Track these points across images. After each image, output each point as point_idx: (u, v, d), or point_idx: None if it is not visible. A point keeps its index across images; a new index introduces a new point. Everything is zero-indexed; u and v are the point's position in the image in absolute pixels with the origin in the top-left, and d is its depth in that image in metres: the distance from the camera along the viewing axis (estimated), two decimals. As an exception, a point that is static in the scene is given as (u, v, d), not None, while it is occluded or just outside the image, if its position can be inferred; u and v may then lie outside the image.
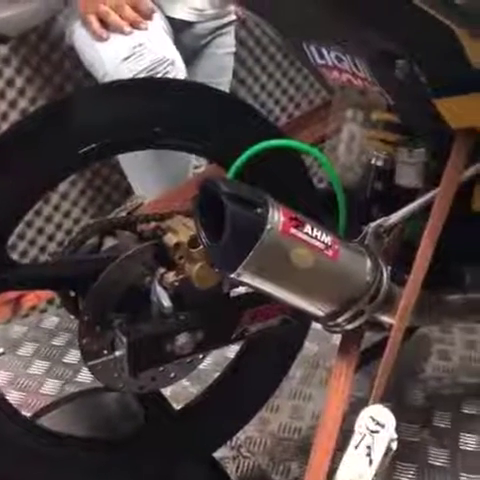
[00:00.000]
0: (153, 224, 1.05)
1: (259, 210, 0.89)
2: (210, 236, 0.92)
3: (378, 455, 0.92)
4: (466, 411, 1.46)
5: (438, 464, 1.34)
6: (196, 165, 1.68)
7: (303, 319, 1.06)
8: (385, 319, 1.02)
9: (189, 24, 1.68)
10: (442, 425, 1.43)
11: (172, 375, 1.08)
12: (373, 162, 1.10)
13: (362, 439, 0.92)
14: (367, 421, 0.92)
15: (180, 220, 1.04)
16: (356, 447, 0.93)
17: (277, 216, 0.90)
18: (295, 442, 1.39)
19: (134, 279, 1.02)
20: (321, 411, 1.42)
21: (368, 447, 0.92)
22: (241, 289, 1.05)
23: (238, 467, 1.34)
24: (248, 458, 1.35)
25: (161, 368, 1.05)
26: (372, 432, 0.92)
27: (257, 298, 1.02)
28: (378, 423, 0.92)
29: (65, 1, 1.52)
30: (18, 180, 0.97)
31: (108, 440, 1.18)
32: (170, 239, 1.01)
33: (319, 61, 1.06)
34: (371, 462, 0.91)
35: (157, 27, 1.54)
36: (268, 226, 0.89)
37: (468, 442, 1.39)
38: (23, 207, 1.01)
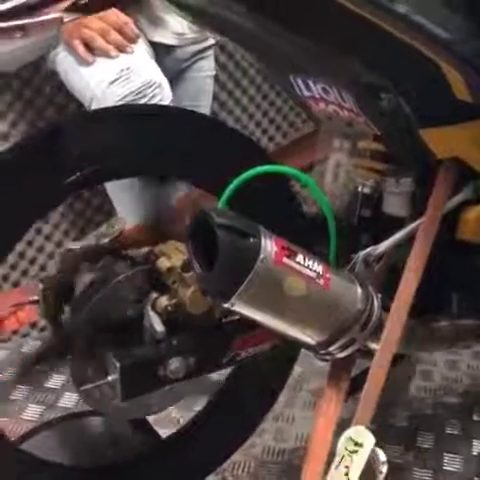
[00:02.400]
0: (146, 248, 1.06)
1: (252, 240, 0.90)
2: (203, 264, 0.93)
3: (355, 473, 0.92)
4: (449, 432, 1.47)
5: (422, 485, 1.36)
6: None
7: (293, 345, 1.07)
8: (376, 347, 1.02)
9: (170, 48, 1.69)
10: (425, 446, 1.44)
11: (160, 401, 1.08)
12: (360, 189, 1.11)
13: (342, 460, 0.93)
14: (347, 443, 0.94)
15: (173, 244, 1.04)
16: (336, 467, 0.94)
17: (270, 246, 0.90)
18: (279, 465, 1.39)
19: (127, 303, 1.02)
20: (305, 433, 1.43)
21: (346, 467, 0.93)
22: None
23: (223, 492, 1.34)
24: (233, 483, 1.35)
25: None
26: (351, 452, 0.93)
27: (249, 323, 1.02)
28: (356, 443, 0.93)
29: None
30: (5, 211, 0.97)
31: (91, 467, 1.17)
32: (163, 263, 1.02)
33: (306, 93, 1.07)
34: None
35: (142, 51, 1.54)
36: (261, 256, 0.89)
37: (451, 463, 1.40)
38: (11, 239, 1.01)
